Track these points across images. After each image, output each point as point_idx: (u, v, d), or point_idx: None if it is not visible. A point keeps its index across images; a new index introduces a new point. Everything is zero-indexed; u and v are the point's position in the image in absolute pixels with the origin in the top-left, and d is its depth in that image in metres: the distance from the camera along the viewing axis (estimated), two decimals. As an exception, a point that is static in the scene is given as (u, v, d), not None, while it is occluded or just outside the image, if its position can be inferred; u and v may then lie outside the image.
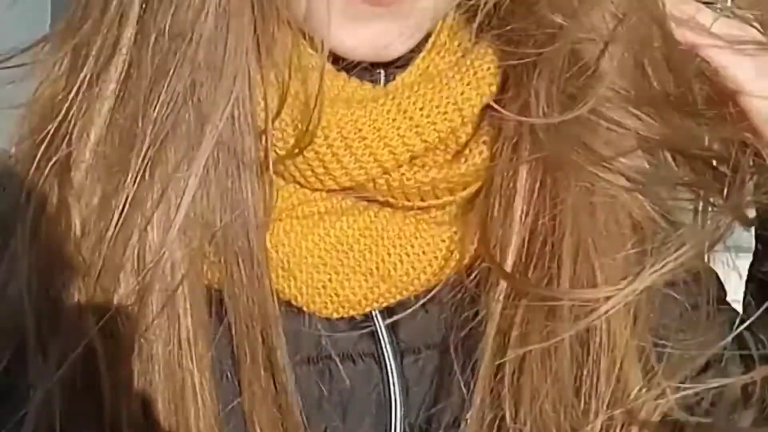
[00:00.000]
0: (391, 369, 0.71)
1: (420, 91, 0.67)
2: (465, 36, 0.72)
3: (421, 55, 0.70)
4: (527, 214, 0.69)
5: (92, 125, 0.64)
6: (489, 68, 0.68)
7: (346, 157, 0.66)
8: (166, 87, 0.62)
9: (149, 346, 0.63)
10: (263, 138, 0.65)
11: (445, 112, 0.66)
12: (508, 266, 0.69)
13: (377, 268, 0.68)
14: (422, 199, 0.69)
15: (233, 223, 0.64)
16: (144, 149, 0.63)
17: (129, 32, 0.63)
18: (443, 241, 0.70)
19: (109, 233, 0.63)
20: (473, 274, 0.72)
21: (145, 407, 0.63)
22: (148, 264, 0.63)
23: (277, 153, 0.65)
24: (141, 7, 0.63)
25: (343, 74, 0.67)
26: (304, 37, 0.67)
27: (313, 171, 0.66)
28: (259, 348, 0.65)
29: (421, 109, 0.66)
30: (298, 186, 0.68)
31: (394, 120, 0.66)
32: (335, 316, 0.69)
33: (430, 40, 0.71)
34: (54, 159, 0.64)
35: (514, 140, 0.69)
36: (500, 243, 0.69)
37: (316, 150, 0.65)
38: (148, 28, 0.63)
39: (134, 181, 0.63)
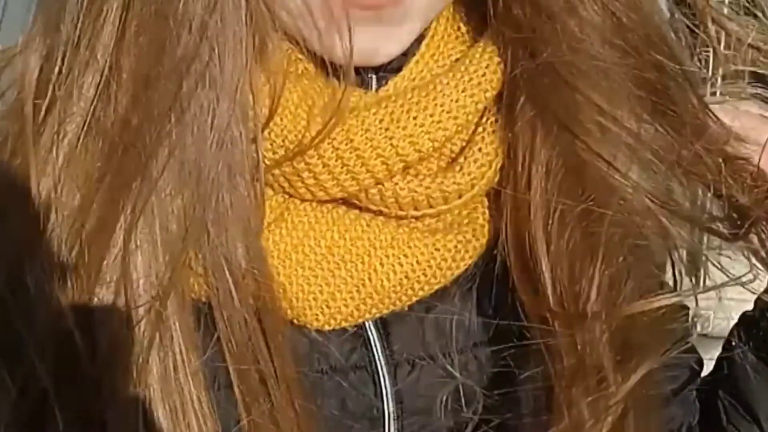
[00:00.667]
0: (385, 381, 0.70)
1: (413, 99, 0.65)
2: (460, 38, 0.70)
3: (414, 59, 0.68)
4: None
5: (66, 134, 0.61)
6: (484, 74, 0.66)
7: (337, 168, 0.64)
8: (148, 93, 0.60)
9: (143, 361, 0.61)
10: (254, 146, 0.63)
11: (439, 121, 0.65)
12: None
13: (369, 279, 0.67)
14: (416, 209, 0.67)
15: (226, 234, 0.62)
16: (125, 157, 0.60)
17: (108, 34, 0.61)
18: (437, 249, 0.68)
19: (88, 238, 0.61)
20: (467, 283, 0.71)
21: (143, 424, 0.61)
22: (131, 274, 0.61)
23: (265, 163, 0.64)
24: (122, 8, 0.61)
25: (334, 81, 0.64)
26: (293, 42, 0.65)
27: (303, 182, 0.65)
28: (253, 362, 0.64)
29: (414, 118, 0.64)
30: (287, 196, 0.67)
31: (387, 129, 0.64)
32: (327, 328, 0.67)
33: (424, 43, 0.69)
34: (28, 158, 0.62)
35: (528, 146, 0.68)
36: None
37: (307, 161, 0.64)
38: (129, 29, 0.60)
39: (113, 189, 0.61)
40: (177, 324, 0.62)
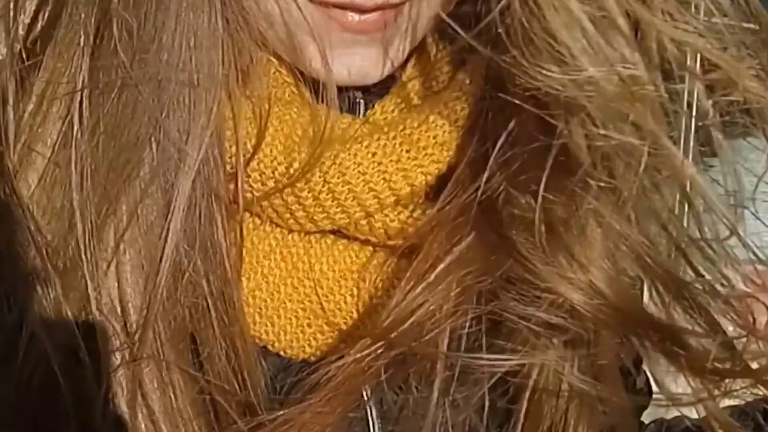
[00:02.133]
0: (371, 408, 0.68)
1: (406, 130, 0.63)
2: (445, 58, 0.68)
3: (401, 81, 0.67)
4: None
5: (34, 166, 0.59)
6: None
7: (328, 201, 0.62)
8: (127, 123, 0.58)
9: (143, 391, 0.59)
10: (236, 178, 0.61)
11: (432, 154, 0.63)
12: None
13: (358, 312, 0.65)
14: (405, 239, 0.65)
15: (205, 266, 0.60)
16: (97, 187, 0.58)
17: (81, 61, 0.58)
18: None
19: (71, 265, 0.59)
20: None
21: None
22: (117, 301, 0.59)
23: (253, 194, 0.62)
24: (96, 32, 0.58)
25: (323, 107, 0.62)
26: (280, 65, 0.63)
27: (292, 214, 0.63)
28: (235, 394, 0.62)
29: (407, 151, 0.63)
30: (274, 226, 0.65)
31: (379, 164, 0.62)
32: (313, 359, 0.66)
33: (410, 64, 0.67)
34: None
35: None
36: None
37: (297, 193, 0.62)
38: (105, 54, 0.58)
39: (91, 219, 0.58)
40: (170, 351, 0.60)
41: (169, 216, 0.58)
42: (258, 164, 0.61)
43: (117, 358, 0.59)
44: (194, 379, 0.62)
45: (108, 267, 0.59)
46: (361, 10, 0.60)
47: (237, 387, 0.62)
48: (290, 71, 0.63)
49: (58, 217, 0.59)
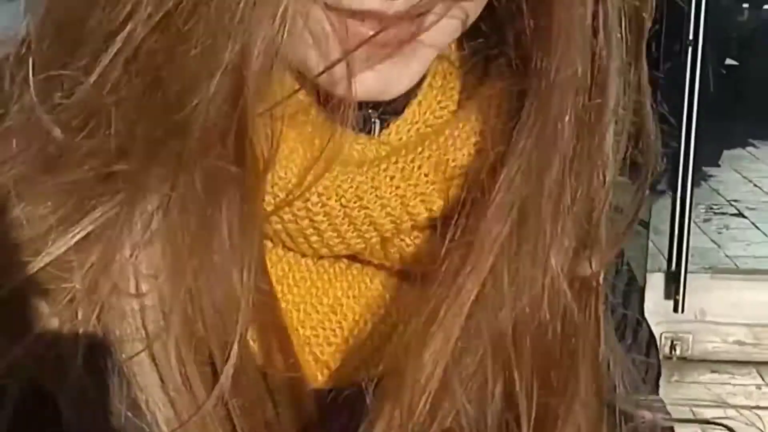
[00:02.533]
0: None
1: (424, 153, 0.61)
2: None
3: (417, 100, 0.64)
4: None
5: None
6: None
7: (344, 226, 0.60)
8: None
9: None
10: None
11: (452, 178, 0.61)
12: None
13: (372, 339, 0.63)
14: (421, 264, 0.63)
15: (225, 285, 0.57)
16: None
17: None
18: None
19: (90, 273, 0.55)
20: None
21: None
22: (140, 314, 0.56)
23: (264, 209, 0.59)
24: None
25: (337, 126, 0.58)
26: (293, 81, 0.60)
27: (306, 239, 0.60)
28: (260, 420, 0.60)
29: (426, 175, 0.60)
30: (286, 250, 0.62)
31: (397, 188, 0.60)
32: (326, 387, 0.64)
33: (426, 82, 0.64)
34: None
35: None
36: None
37: (312, 218, 0.59)
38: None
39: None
40: (195, 372, 0.57)
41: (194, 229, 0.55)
42: (272, 187, 0.58)
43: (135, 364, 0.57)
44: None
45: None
46: (380, 22, 0.56)
47: (263, 414, 0.60)
48: (304, 83, 0.60)
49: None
